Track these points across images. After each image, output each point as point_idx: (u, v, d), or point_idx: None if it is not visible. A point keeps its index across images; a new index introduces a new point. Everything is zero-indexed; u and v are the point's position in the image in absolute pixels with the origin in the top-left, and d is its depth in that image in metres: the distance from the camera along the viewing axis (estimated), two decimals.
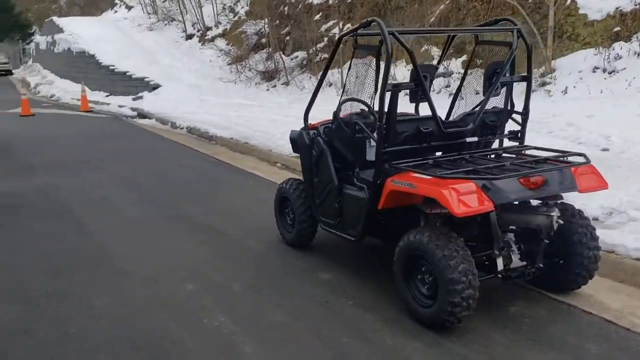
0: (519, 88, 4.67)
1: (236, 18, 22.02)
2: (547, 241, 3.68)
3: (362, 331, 3.53)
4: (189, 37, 23.52)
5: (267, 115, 12.42)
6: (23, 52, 42.79)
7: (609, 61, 9.41)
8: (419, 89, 3.76)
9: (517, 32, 4.04)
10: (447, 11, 12.77)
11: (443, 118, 4.25)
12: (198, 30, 23.42)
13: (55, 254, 5.02)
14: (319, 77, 4.99)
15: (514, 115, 4.27)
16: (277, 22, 18.67)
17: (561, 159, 3.85)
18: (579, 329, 3.50)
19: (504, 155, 4.09)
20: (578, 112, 8.25)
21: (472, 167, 3.54)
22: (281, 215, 5.13)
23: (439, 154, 4.07)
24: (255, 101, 15.42)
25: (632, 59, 9.26)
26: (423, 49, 12.58)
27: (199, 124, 12.25)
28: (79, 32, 24.41)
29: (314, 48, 16.07)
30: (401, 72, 12.33)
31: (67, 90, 22.34)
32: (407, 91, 3.84)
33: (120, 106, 17.22)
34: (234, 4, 23.09)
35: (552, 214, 3.51)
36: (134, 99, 17.80)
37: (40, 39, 32.53)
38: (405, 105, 4.23)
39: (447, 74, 11.56)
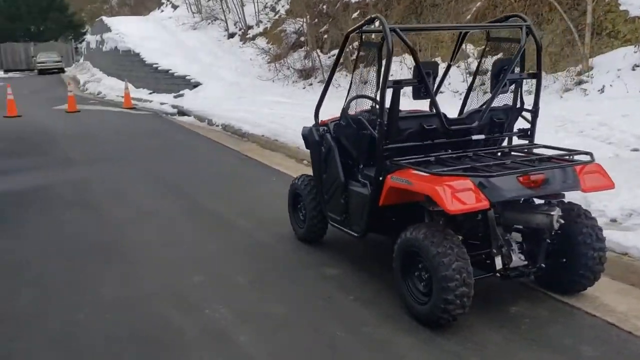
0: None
1: (277, 17, 22.23)
2: (549, 241, 3.62)
3: (357, 325, 3.57)
4: (231, 35, 23.86)
5: (301, 113, 12.49)
6: (75, 51, 44.31)
7: None
8: (422, 86, 3.76)
9: (526, 29, 3.97)
10: (484, 8, 12.57)
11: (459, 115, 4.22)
12: (240, 29, 23.74)
13: (73, 243, 5.26)
14: (328, 74, 5.01)
15: (523, 113, 4.21)
16: (316, 20, 18.75)
17: (567, 157, 3.77)
18: (579, 330, 3.43)
19: (510, 153, 4.03)
20: (613, 111, 8.01)
21: (471, 165, 3.52)
22: (294, 211, 5.19)
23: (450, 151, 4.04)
24: (291, 99, 15.54)
25: None
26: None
27: (233, 122, 12.43)
28: (125, 31, 25.08)
29: (350, 46, 16.06)
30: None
31: (113, 87, 23.00)
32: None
33: (161, 103, 17.63)
34: (275, 2, 23.30)
35: (552, 213, 3.45)
36: (175, 97, 18.19)
37: (90, 38, 33.61)
38: (419, 103, 4.23)
39: (482, 72, 11.36)
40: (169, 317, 3.75)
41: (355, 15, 17.04)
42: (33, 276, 4.53)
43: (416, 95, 3.84)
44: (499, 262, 3.55)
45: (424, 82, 3.72)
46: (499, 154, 4.02)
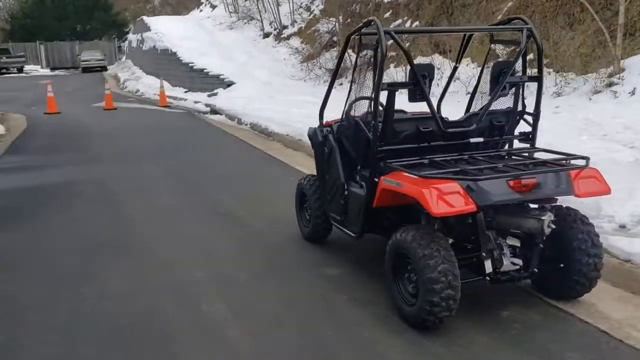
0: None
1: (311, 16, 22.34)
2: (541, 246, 3.59)
3: (347, 325, 3.62)
4: (266, 35, 24.09)
5: (327, 113, 12.55)
6: (119, 50, 45.45)
7: None
8: (417, 89, 3.77)
9: (527, 32, 3.94)
10: (515, 8, 12.37)
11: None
12: (275, 29, 23.95)
13: (87, 236, 5.46)
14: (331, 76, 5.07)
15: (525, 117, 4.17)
16: (349, 20, 18.78)
17: (564, 162, 3.73)
18: (568, 337, 3.39)
19: (507, 157, 4.01)
20: None
21: (461, 168, 3.52)
22: (301, 211, 5.26)
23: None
24: (320, 99, 15.57)
25: None
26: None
27: (261, 121, 12.58)
28: (163, 30, 25.59)
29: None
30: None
31: (151, 85, 23.50)
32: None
33: (195, 102, 17.95)
34: (310, 2, 23.42)
35: (543, 217, 3.42)
36: (209, 95, 18.51)
37: (132, 37, 34.42)
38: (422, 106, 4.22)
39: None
40: (167, 310, 3.88)
41: (387, 15, 17.02)
42: (43, 268, 4.73)
43: (412, 98, 3.86)
44: (488, 266, 3.54)
45: (419, 84, 3.74)
46: (496, 157, 4.00)
